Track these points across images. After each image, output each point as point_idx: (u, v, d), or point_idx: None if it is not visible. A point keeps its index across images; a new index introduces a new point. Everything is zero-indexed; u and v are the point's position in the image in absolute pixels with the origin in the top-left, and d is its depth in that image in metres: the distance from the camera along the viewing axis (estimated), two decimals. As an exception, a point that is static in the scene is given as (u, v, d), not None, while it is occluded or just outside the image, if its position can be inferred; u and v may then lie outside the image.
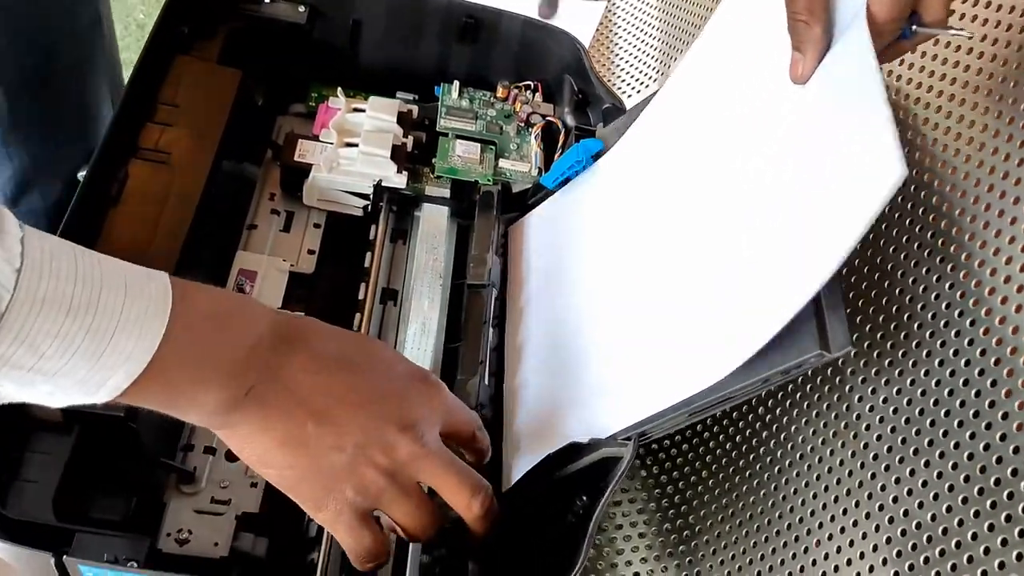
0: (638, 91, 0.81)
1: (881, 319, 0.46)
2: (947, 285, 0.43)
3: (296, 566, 0.49)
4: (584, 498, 0.46)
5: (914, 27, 0.42)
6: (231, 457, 0.52)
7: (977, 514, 0.37)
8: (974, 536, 0.37)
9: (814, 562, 0.44)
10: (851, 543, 0.43)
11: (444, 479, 0.43)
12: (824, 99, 0.44)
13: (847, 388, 0.46)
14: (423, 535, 0.44)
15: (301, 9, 0.66)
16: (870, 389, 0.45)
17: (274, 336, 0.40)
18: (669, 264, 0.50)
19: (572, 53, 0.67)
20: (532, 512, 0.49)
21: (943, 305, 0.43)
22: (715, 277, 0.46)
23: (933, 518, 0.39)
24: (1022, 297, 0.39)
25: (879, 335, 0.45)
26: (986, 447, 0.38)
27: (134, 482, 0.48)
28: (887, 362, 0.44)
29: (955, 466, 0.39)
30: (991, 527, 0.36)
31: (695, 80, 0.55)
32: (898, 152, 0.37)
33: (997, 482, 0.37)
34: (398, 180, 0.62)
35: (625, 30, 0.86)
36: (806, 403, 0.48)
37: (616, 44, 0.86)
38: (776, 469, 0.49)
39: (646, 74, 0.81)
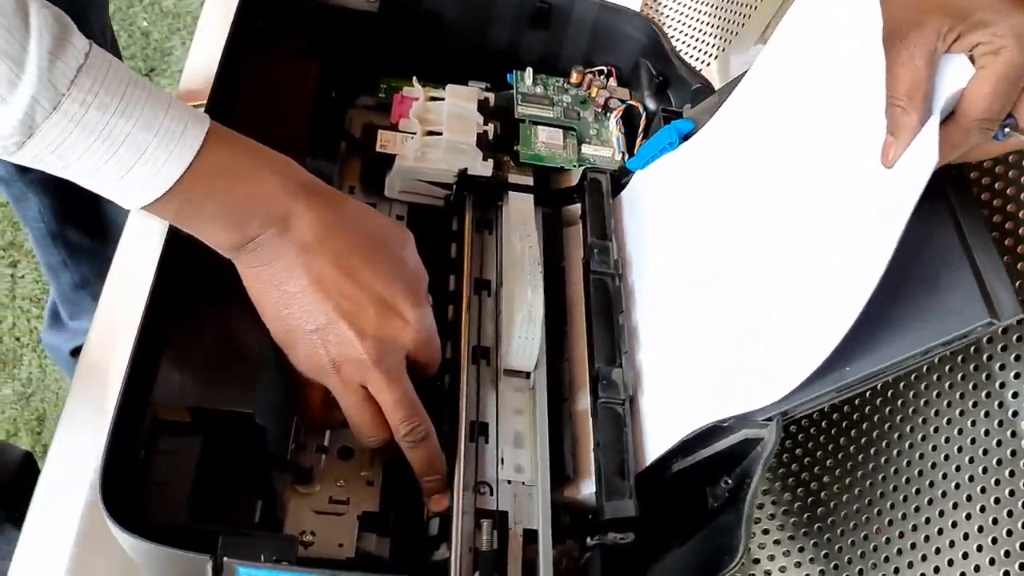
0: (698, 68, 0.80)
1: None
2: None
3: (420, 568, 0.48)
4: (728, 481, 0.45)
5: (1007, 130, 0.41)
6: (344, 455, 0.51)
7: None
8: None
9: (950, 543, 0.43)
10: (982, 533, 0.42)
11: (382, 393, 0.45)
12: None
13: (997, 365, 0.45)
14: (363, 436, 0.47)
15: (372, -2, 0.64)
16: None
17: (290, 199, 0.43)
18: (788, 233, 0.49)
19: (648, 36, 0.66)
20: (667, 496, 0.48)
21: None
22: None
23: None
24: None
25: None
26: None
27: (256, 483, 0.46)
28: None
29: None
30: None
31: (778, 73, 0.54)
32: None
33: None
34: (483, 168, 0.61)
35: (672, 7, 0.86)
36: (947, 382, 0.47)
37: (665, 22, 0.85)
38: (909, 446, 0.48)
39: (702, 50, 0.80)
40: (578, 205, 0.62)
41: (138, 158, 0.39)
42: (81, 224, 0.90)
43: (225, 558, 0.37)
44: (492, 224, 0.62)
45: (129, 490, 0.40)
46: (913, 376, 0.49)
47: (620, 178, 0.63)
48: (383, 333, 0.45)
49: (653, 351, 0.53)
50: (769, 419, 0.45)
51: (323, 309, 0.44)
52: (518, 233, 0.59)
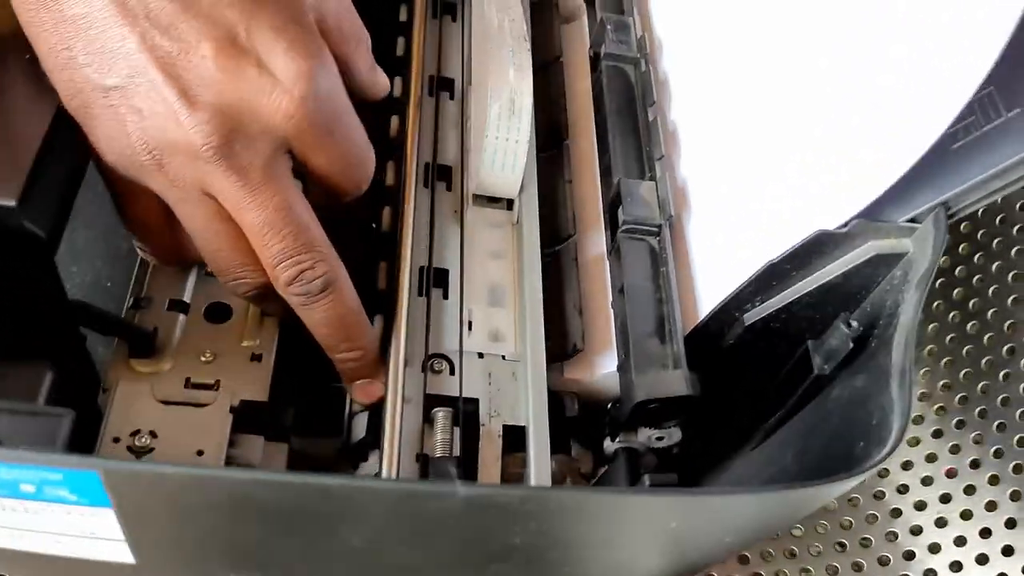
0: None
1: None
2: None
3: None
4: (850, 325, 0.26)
5: None
6: (216, 315, 0.32)
7: None
8: None
9: None
10: None
11: (238, 208, 0.27)
12: None
13: None
14: (223, 276, 0.29)
15: None
16: None
17: None
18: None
19: None
20: (733, 367, 0.29)
21: None
22: None
23: None
24: None
25: None
26: None
27: (48, 346, 0.27)
28: None
29: None
30: None
31: None
32: None
33: None
34: (442, -79, 0.41)
35: None
36: None
37: None
38: None
39: None
40: (580, -11, 0.44)
41: None
42: None
43: None
44: (456, 9, 0.43)
45: None
46: None
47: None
48: (229, 96, 0.25)
49: (704, 152, 0.34)
50: (913, 221, 0.26)
51: (124, 48, 0.25)
52: (495, 5, 0.40)
